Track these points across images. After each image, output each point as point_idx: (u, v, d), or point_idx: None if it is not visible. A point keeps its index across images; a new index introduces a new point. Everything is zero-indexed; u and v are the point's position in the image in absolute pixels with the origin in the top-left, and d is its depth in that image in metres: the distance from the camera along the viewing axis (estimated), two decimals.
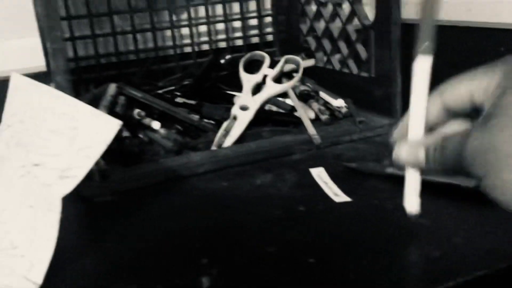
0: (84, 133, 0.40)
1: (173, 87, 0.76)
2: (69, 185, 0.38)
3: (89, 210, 0.51)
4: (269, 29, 0.91)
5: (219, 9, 0.87)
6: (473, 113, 0.33)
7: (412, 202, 0.37)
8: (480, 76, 0.32)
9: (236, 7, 0.88)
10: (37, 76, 0.51)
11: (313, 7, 0.79)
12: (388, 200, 0.47)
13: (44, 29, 0.48)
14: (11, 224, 0.44)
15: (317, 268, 0.37)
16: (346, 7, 0.71)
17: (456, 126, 0.35)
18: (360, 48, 0.69)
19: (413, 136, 0.35)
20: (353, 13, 0.69)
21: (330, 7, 0.74)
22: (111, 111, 0.66)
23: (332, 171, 0.54)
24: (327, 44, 0.77)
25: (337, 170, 0.54)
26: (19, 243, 0.41)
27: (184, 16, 0.85)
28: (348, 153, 0.59)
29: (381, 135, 0.63)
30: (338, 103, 0.70)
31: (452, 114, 0.35)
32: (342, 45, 0.73)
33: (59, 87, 0.48)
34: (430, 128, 0.35)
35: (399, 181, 0.50)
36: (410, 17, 0.89)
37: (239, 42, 0.89)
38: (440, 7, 0.34)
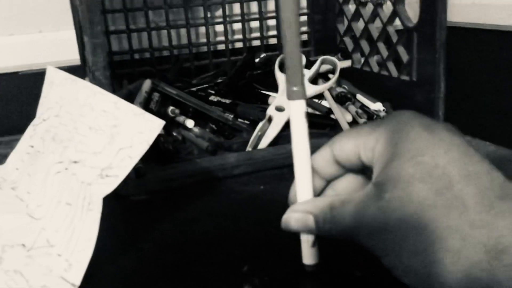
0: (125, 132, 0.39)
1: (206, 85, 0.75)
2: (110, 185, 0.37)
3: (125, 209, 0.50)
4: (304, 28, 0.90)
5: (253, 6, 0.86)
6: (366, 170, 0.31)
7: (307, 255, 0.34)
8: (366, 134, 0.30)
9: (270, 5, 0.87)
10: (71, 70, 0.51)
11: (352, 7, 0.77)
12: None
13: (83, 23, 0.47)
14: (47, 221, 0.43)
15: (363, 282, 0.35)
16: (387, 8, 0.69)
17: (351, 183, 0.33)
18: (401, 50, 0.67)
19: (302, 198, 0.32)
20: (394, 14, 0.67)
21: (370, 7, 0.72)
22: (146, 108, 0.65)
23: None
24: (365, 45, 0.75)
25: None
26: (56, 241, 0.40)
27: (219, 13, 0.84)
28: None
29: None
30: (376, 106, 0.68)
31: (346, 167, 0.32)
32: (382, 47, 0.71)
33: (98, 82, 0.47)
34: (327, 181, 0.33)
35: None
36: (453, 20, 0.87)
37: (273, 41, 0.88)
38: (301, 53, 0.31)
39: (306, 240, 0.33)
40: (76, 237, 0.38)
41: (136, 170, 0.52)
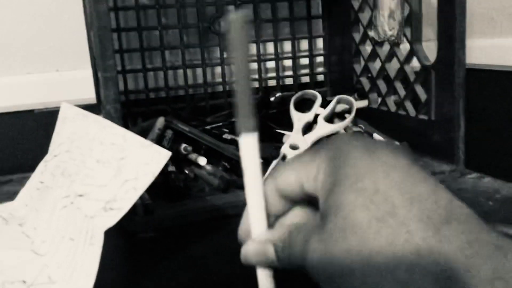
0: (131, 164, 0.38)
1: (221, 123, 0.74)
2: (113, 218, 0.35)
3: (131, 246, 0.49)
4: (320, 69, 0.89)
5: (270, 47, 0.86)
6: (313, 201, 0.29)
7: None
8: (307, 163, 0.28)
9: (287, 46, 0.87)
10: (87, 108, 0.50)
11: (368, 47, 0.76)
12: None
13: (96, 56, 0.47)
14: (50, 257, 0.42)
15: None
16: (404, 47, 0.68)
17: (300, 216, 0.31)
18: (419, 90, 0.66)
19: (257, 231, 0.30)
20: (411, 53, 0.66)
21: (387, 46, 0.71)
22: (158, 145, 0.64)
23: None
24: (382, 85, 0.74)
25: None
26: (58, 278, 0.39)
27: None
28: None
29: (442, 182, 0.58)
30: None
31: (293, 200, 0.30)
32: (399, 86, 0.70)
33: (108, 116, 0.47)
34: (276, 217, 0.31)
35: None
36: (473, 62, 0.86)
37: (289, 81, 0.87)
38: (252, 85, 0.30)
39: (263, 275, 0.31)
40: (77, 273, 0.37)
41: (144, 206, 0.51)
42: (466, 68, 0.60)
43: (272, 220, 0.31)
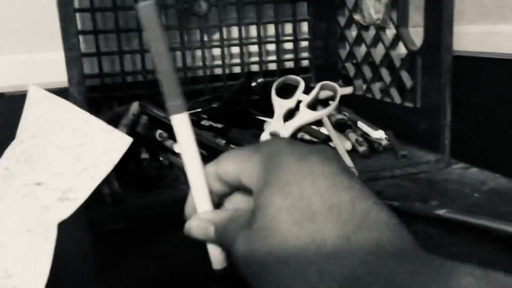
0: (92, 151, 0.35)
1: (200, 109, 0.71)
2: (68, 209, 0.33)
3: (99, 238, 0.46)
4: (305, 54, 0.87)
5: (253, 30, 0.83)
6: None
7: (215, 261, 0.34)
8: (246, 159, 0.30)
9: (271, 29, 0.84)
10: (60, 92, 0.47)
11: (354, 32, 0.73)
12: (438, 248, 0.40)
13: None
14: (9, 250, 0.39)
15: None
16: (390, 32, 0.66)
17: (243, 201, 0.33)
18: (405, 76, 0.63)
19: (200, 208, 0.33)
20: (398, 38, 0.63)
21: (372, 31, 0.69)
22: (132, 131, 0.61)
23: None
24: (367, 71, 0.71)
25: None
26: (14, 271, 0.36)
27: (216, 36, 0.81)
28: (389, 190, 0.53)
29: (427, 172, 0.57)
30: (378, 134, 0.64)
31: (232, 187, 0.33)
32: (384, 73, 0.67)
33: (72, 99, 0.44)
34: (221, 197, 0.34)
35: (450, 225, 0.43)
36: (457, 48, 0.84)
37: (273, 66, 0.85)
38: (172, 63, 0.31)
39: (212, 247, 0.33)
40: (32, 268, 0.34)
41: (113, 196, 0.48)
42: (455, 55, 0.58)
43: (215, 199, 0.34)
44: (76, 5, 0.74)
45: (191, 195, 0.34)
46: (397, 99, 0.65)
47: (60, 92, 0.48)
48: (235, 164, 0.31)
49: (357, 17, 0.71)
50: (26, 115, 0.52)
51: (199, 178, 0.32)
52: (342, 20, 0.76)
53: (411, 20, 0.78)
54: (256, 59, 0.83)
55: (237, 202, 0.34)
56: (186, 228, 0.34)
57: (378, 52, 0.69)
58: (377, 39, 0.68)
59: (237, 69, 0.83)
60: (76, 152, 0.36)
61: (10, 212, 0.42)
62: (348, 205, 0.26)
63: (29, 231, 0.37)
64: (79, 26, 0.74)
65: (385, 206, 0.27)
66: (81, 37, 0.74)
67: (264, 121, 0.67)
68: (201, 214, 0.33)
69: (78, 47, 0.43)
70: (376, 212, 0.26)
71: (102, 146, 0.34)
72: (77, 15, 0.73)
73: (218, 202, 0.34)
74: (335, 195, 0.26)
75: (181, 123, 0.31)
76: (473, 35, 0.83)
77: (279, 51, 0.84)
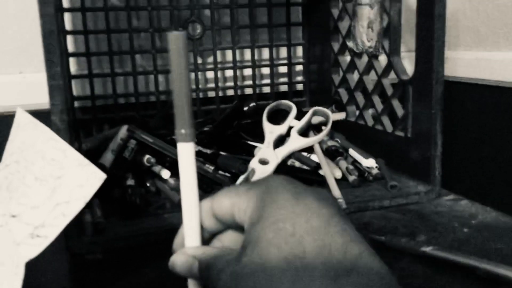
0: (66, 185, 0.34)
1: None
2: (38, 247, 0.32)
3: (77, 269, 0.45)
4: (299, 78, 0.86)
5: (247, 54, 0.83)
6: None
7: None
8: (241, 195, 0.30)
9: (265, 53, 0.84)
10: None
11: (347, 57, 0.73)
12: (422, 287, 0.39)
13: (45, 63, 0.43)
14: None
15: None
16: (382, 59, 0.65)
17: (235, 238, 0.32)
18: (396, 104, 0.63)
19: (189, 242, 0.32)
20: (390, 66, 0.63)
21: (365, 58, 0.68)
22: (119, 156, 0.61)
23: None
24: (360, 98, 0.71)
25: None
26: None
27: (210, 59, 0.81)
28: (377, 222, 0.52)
29: (416, 204, 0.56)
30: (369, 163, 0.63)
31: (225, 224, 0.32)
32: (377, 100, 0.67)
33: (54, 127, 0.43)
34: (212, 234, 0.33)
35: (436, 263, 0.42)
36: (452, 74, 0.83)
37: (267, 89, 0.84)
38: (191, 96, 0.30)
39: (193, 284, 0.32)
40: None
41: (94, 225, 0.48)
42: (449, 80, 0.57)
43: (206, 235, 0.33)
44: (69, 27, 0.74)
45: (182, 228, 0.33)
46: (389, 127, 0.64)
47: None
48: (230, 199, 0.30)
49: (350, 44, 0.70)
50: (12, 139, 0.51)
51: (193, 210, 0.31)
52: (336, 46, 0.75)
53: (405, 45, 0.78)
54: (250, 82, 0.83)
55: (226, 241, 0.33)
56: (170, 263, 0.33)
57: (371, 79, 0.68)
58: (369, 67, 0.67)
59: (230, 92, 0.82)
60: (52, 185, 0.36)
61: None
62: (339, 247, 0.26)
63: (2, 264, 0.37)
64: (72, 48, 0.74)
65: (377, 255, 0.26)
66: (73, 59, 0.74)
67: (254, 147, 0.67)
68: (187, 249, 0.32)
69: (62, 75, 0.42)
70: (367, 258, 0.26)
71: (76, 180, 0.34)
72: (70, 37, 0.73)
73: (208, 239, 0.34)
74: (327, 236, 0.26)
75: (186, 152, 0.30)
76: (468, 61, 0.82)
77: (273, 75, 0.83)
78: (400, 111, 0.62)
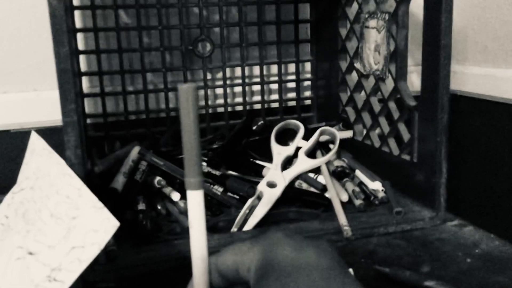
0: (81, 227, 0.36)
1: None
2: None
3: None
4: (307, 93, 0.87)
5: (256, 70, 0.84)
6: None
7: None
8: (244, 252, 0.31)
9: (274, 69, 0.85)
10: None
11: (354, 77, 0.74)
12: None
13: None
14: None
15: None
16: (389, 82, 0.66)
17: None
18: (402, 128, 0.64)
19: None
20: (396, 91, 0.64)
21: (372, 79, 0.69)
22: (131, 178, 0.62)
23: (361, 274, 0.48)
24: (366, 118, 0.72)
25: (367, 274, 0.48)
26: None
27: (219, 75, 0.82)
28: (382, 250, 0.53)
29: (421, 229, 0.57)
30: (375, 186, 0.64)
31: (231, 281, 0.33)
32: (383, 122, 0.68)
33: (68, 161, 0.45)
34: None
35: None
36: (459, 88, 0.84)
37: (275, 105, 0.85)
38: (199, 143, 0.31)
39: None
40: None
41: (106, 253, 0.49)
42: (457, 94, 0.58)
43: None
44: (82, 46, 0.75)
45: (191, 282, 0.33)
46: (395, 150, 0.65)
47: None
48: (234, 257, 0.32)
49: (357, 65, 0.71)
50: (27, 162, 0.53)
51: (202, 264, 0.32)
52: (343, 64, 0.76)
53: (413, 58, 0.78)
54: (258, 98, 0.84)
55: None
56: None
57: (378, 100, 0.69)
58: (376, 89, 0.68)
59: (239, 107, 0.83)
60: (68, 225, 0.37)
61: (5, 269, 0.43)
62: None
63: None
64: (85, 67, 0.76)
65: None
66: (85, 77, 0.76)
67: (263, 166, 0.68)
68: None
69: (76, 112, 0.44)
70: None
71: (91, 224, 0.35)
72: (82, 56, 0.74)
73: None
74: None
75: (195, 199, 0.31)
76: (476, 77, 0.83)
77: (282, 91, 0.84)
78: (406, 135, 0.63)
